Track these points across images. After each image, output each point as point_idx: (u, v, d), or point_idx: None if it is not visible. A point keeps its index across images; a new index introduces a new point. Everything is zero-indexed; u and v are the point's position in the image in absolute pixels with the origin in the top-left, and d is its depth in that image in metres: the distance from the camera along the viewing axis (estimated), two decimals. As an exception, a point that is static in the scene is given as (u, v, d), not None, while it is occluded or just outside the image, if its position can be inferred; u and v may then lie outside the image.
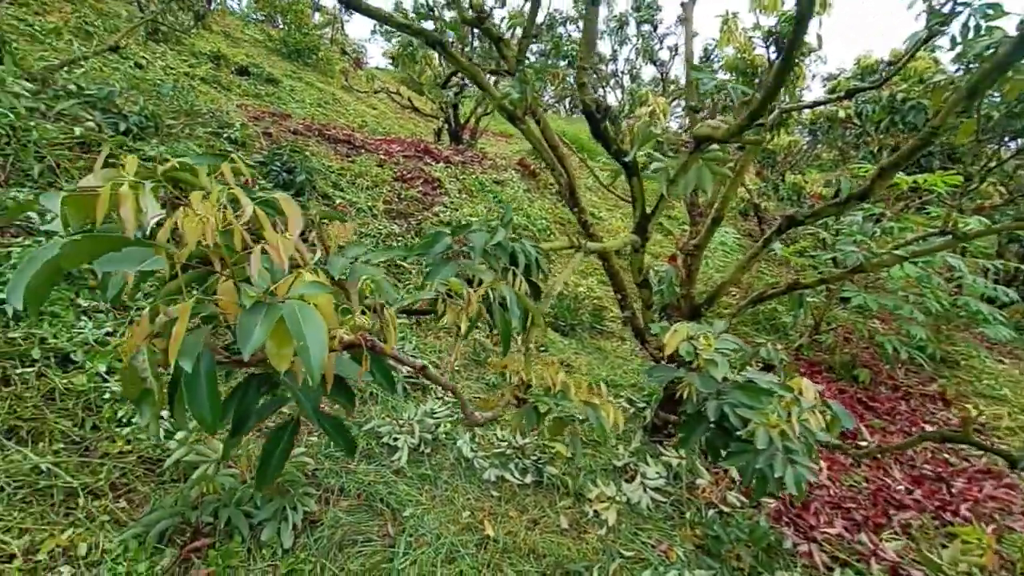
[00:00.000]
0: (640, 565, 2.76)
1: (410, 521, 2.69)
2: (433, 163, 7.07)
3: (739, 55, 5.26)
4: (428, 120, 11.44)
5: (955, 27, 2.95)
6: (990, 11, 3.26)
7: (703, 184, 1.92)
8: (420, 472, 3.05)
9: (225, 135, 5.17)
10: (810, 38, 4.76)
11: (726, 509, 3.18)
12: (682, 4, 3.53)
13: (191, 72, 6.93)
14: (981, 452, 4.33)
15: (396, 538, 2.59)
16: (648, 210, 2.35)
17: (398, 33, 8.15)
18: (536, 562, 2.68)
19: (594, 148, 14.13)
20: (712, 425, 1.68)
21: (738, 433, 1.48)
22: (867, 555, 3.09)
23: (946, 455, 4.45)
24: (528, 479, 3.16)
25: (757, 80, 5.40)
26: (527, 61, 2.91)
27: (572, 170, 3.04)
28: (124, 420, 2.63)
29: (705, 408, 1.63)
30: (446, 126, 10.08)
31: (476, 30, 3.39)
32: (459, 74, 9.62)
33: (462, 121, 10.09)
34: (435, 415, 3.43)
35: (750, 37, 4.73)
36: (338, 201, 5.12)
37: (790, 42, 1.93)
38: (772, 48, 4.82)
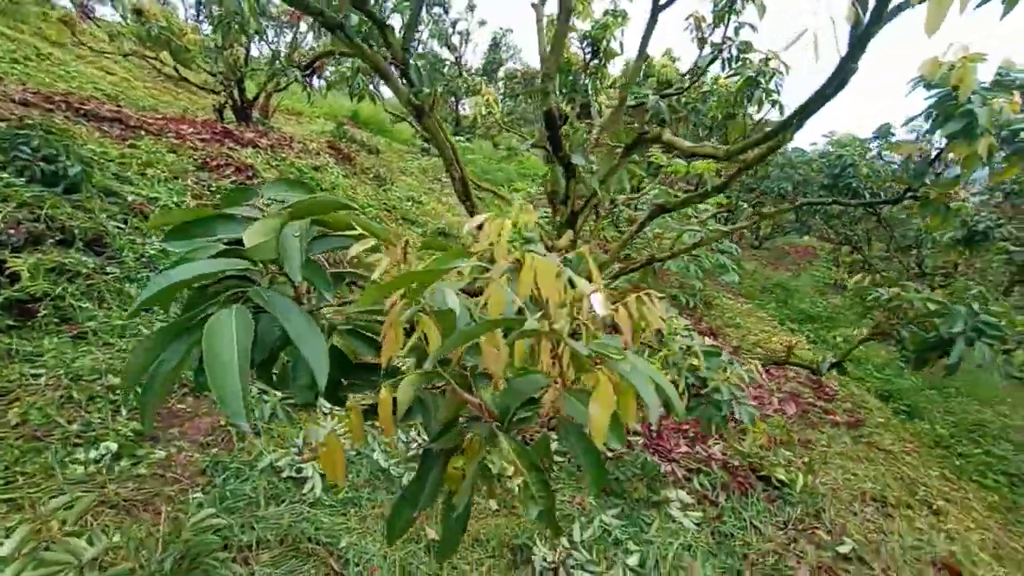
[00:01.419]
0: (566, 520, 3.09)
1: (350, 552, 2.48)
2: (239, 148, 6.05)
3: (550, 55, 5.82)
4: (199, 94, 9.56)
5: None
6: (743, 47, 4.33)
7: (623, 183, 2.22)
8: (340, 497, 2.80)
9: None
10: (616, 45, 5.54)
11: (611, 454, 3.75)
12: (533, 5, 3.78)
13: None
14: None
15: (344, 574, 2.37)
16: (576, 207, 2.58)
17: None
18: (482, 548, 2.77)
19: (395, 133, 13.80)
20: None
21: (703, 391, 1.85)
22: (706, 460, 4.03)
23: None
24: (450, 473, 3.18)
25: (571, 77, 6.08)
26: (414, 51, 2.78)
27: (464, 167, 3.05)
28: None
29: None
30: (230, 102, 8.60)
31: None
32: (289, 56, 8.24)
33: (250, 97, 8.74)
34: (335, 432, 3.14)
35: (571, 37, 5.26)
36: (132, 199, 4.05)
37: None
38: (588, 49, 5.49)
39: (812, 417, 5.43)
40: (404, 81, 2.65)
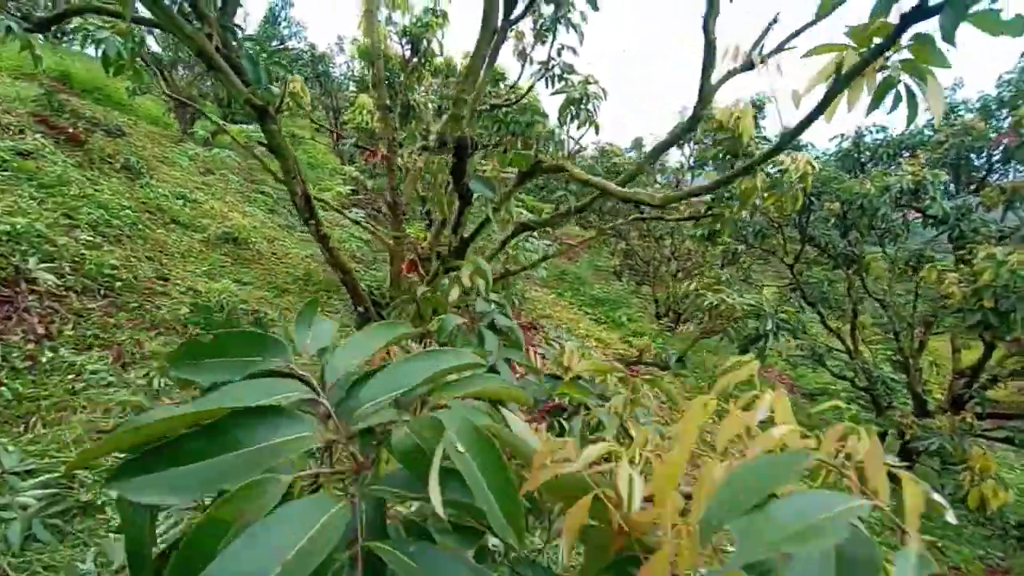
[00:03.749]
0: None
1: None
2: None
3: (374, 45, 5.35)
4: None
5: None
6: (566, 68, 4.61)
7: (511, 211, 2.12)
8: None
9: None
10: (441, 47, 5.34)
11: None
12: None
13: None
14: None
15: None
16: (466, 234, 2.32)
17: None
18: None
19: (136, 108, 10.98)
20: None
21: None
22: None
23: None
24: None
25: (388, 72, 5.66)
26: (242, 33, 2.12)
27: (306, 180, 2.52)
28: None
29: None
30: None
31: None
32: None
33: None
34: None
35: (389, 30, 4.89)
36: None
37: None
38: (408, 45, 5.16)
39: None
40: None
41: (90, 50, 4.30)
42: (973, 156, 6.83)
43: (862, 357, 7.58)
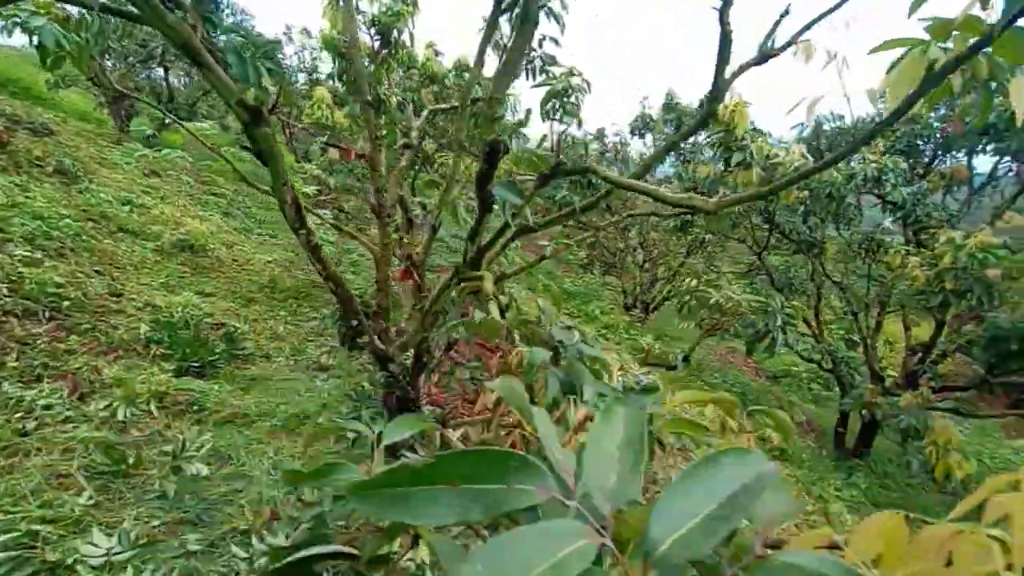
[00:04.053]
0: None
1: None
2: None
3: (338, 34, 5.04)
4: None
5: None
6: (548, 59, 4.49)
7: (526, 215, 1.98)
8: None
9: None
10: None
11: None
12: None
13: None
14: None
15: None
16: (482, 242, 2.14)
17: None
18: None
19: (61, 103, 10.09)
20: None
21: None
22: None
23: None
24: None
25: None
26: (218, 19, 1.86)
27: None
28: None
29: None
30: None
31: None
32: None
33: None
34: None
35: (353, 19, 4.59)
36: None
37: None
38: (377, 36, 4.88)
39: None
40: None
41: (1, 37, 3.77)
42: (920, 143, 7.21)
43: (827, 340, 7.91)
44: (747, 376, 10.95)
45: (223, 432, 3.57)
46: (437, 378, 5.16)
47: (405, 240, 3.82)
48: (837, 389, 9.08)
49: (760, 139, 3.54)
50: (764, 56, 2.29)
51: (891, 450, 8.55)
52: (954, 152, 8.92)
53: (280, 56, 13.17)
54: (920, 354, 7.96)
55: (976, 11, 1.16)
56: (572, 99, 4.50)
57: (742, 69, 2.37)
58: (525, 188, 2.12)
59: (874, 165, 5.33)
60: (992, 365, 7.73)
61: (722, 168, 3.40)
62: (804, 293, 8.85)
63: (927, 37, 1.26)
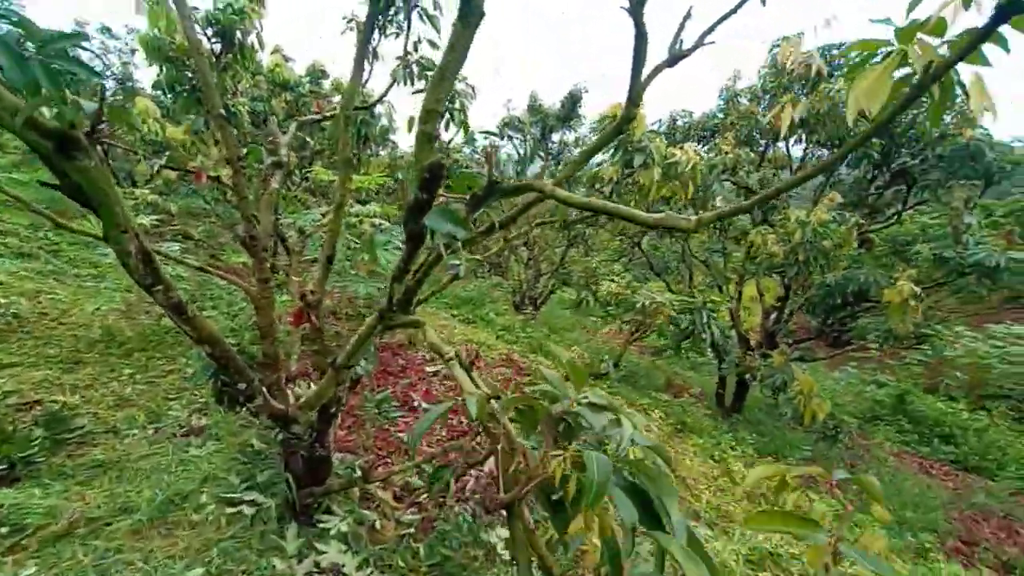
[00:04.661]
0: None
1: None
2: None
3: (163, 36, 4.18)
4: None
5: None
6: (425, 64, 4.18)
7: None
8: None
9: None
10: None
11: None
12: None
13: None
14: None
15: None
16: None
17: None
18: None
19: None
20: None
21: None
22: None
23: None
24: None
25: (189, 71, 4.50)
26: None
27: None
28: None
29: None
30: None
31: None
32: None
33: None
34: None
35: (189, 17, 3.83)
36: None
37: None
38: (215, 38, 4.12)
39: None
40: None
41: None
42: (757, 135, 8.25)
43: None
44: (634, 356, 11.69)
45: (59, 552, 2.71)
46: (341, 419, 4.58)
47: (291, 275, 3.25)
48: (711, 354, 10.13)
49: (658, 139, 3.63)
50: (674, 58, 2.26)
51: (760, 400, 9.72)
52: (778, 143, 10.33)
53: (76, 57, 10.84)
54: (774, 315, 9.16)
55: (949, 12, 1.14)
56: (456, 105, 4.24)
57: (655, 72, 2.33)
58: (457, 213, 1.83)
59: (731, 156, 5.94)
60: (825, 318, 9.16)
61: (622, 171, 3.45)
62: (676, 273, 9.66)
63: (891, 39, 1.23)
